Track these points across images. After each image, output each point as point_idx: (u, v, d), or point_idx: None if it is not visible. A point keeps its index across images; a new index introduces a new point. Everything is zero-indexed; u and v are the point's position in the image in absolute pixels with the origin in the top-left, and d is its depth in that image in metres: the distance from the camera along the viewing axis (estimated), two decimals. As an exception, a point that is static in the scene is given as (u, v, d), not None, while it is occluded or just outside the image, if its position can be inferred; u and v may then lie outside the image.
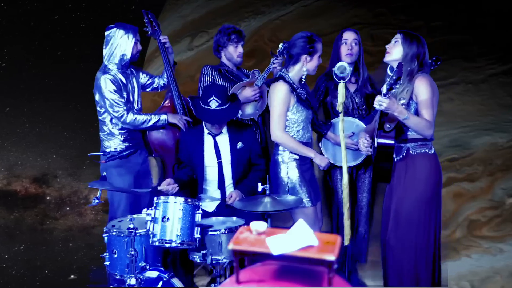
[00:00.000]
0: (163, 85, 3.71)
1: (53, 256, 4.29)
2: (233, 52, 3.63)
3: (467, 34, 4.23)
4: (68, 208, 4.79)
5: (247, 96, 3.58)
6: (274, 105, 3.08)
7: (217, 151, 3.30)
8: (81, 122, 4.83)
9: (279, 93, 3.06)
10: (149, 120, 3.44)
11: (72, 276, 4.01)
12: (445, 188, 3.98)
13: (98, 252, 4.14)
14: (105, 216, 4.63)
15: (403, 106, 2.77)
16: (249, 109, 3.63)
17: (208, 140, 3.32)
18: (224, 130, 3.33)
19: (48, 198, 4.83)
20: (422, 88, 2.75)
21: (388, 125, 2.80)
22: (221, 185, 3.32)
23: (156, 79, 3.70)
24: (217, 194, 3.33)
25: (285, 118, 3.09)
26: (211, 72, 3.63)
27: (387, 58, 2.88)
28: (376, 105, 2.68)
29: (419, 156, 2.84)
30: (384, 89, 2.64)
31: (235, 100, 3.32)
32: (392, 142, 2.78)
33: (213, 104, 3.20)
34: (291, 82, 3.10)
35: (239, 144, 3.31)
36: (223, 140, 3.32)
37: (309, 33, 3.14)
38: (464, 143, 4.10)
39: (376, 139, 2.84)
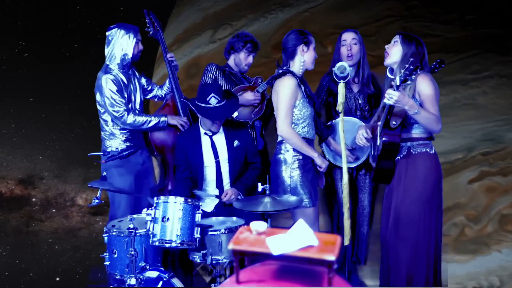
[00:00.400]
0: (161, 96, 3.72)
1: (38, 258, 4.25)
2: (243, 59, 3.65)
3: (501, 28, 4.14)
4: (54, 210, 4.73)
5: (248, 99, 3.56)
6: (282, 99, 3.05)
7: (214, 151, 3.31)
8: (68, 123, 4.77)
9: (287, 87, 3.04)
10: (149, 122, 3.44)
11: (58, 279, 3.95)
12: (478, 182, 3.98)
13: (84, 255, 4.12)
14: (91, 218, 4.63)
15: None
16: (245, 113, 3.61)
17: (205, 140, 3.33)
18: (220, 129, 3.33)
19: (33, 200, 4.77)
20: (425, 85, 2.77)
21: (394, 122, 2.79)
22: (219, 184, 3.33)
23: (156, 88, 3.71)
24: (216, 193, 3.33)
25: (292, 113, 3.07)
26: (215, 71, 3.63)
27: (387, 61, 2.89)
28: (386, 98, 2.68)
29: (419, 156, 2.84)
30: (397, 81, 2.63)
31: (232, 96, 3.34)
32: (398, 140, 2.80)
33: (213, 101, 3.20)
34: (298, 75, 3.10)
35: (236, 143, 3.32)
36: (220, 139, 3.33)
37: (299, 29, 3.16)
38: (498, 137, 4.05)
39: (379, 138, 2.85)
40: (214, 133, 3.32)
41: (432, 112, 2.75)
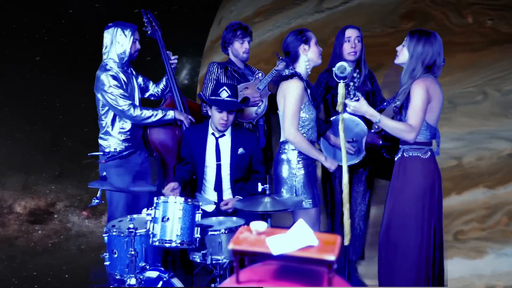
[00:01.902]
0: (157, 94, 3.71)
1: (-29, 268, 4.04)
2: (239, 48, 3.61)
3: None
4: (-11, 218, 4.52)
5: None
6: (290, 103, 3.02)
7: (217, 153, 3.30)
8: (8, 127, 4.56)
9: (295, 91, 3.02)
10: (156, 115, 3.43)
11: (-9, 290, 3.77)
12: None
13: (20, 265, 3.93)
14: (29, 227, 4.44)
15: (395, 108, 2.82)
16: (248, 112, 3.59)
17: (210, 140, 3.32)
18: (228, 133, 3.32)
19: (-33, 207, 4.56)
20: (415, 93, 2.74)
21: (376, 126, 2.84)
22: (218, 187, 3.32)
23: (151, 86, 3.70)
24: (214, 195, 3.34)
25: (299, 116, 3.06)
26: (217, 70, 3.60)
27: (396, 61, 2.91)
28: (348, 107, 2.76)
29: (411, 160, 2.83)
30: (351, 93, 2.74)
31: (243, 101, 3.41)
32: (379, 143, 2.88)
33: (224, 94, 3.24)
34: (304, 79, 3.09)
35: (240, 150, 3.31)
36: (225, 142, 3.32)
37: (296, 29, 3.17)
38: None
39: (365, 137, 2.95)
40: (221, 135, 3.31)
41: (406, 122, 2.74)
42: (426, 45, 2.75)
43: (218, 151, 3.30)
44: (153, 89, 3.70)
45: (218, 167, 3.30)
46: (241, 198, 3.22)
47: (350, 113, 2.80)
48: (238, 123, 3.49)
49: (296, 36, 3.10)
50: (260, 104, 3.60)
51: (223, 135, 3.32)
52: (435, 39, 2.77)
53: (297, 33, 3.11)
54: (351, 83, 2.69)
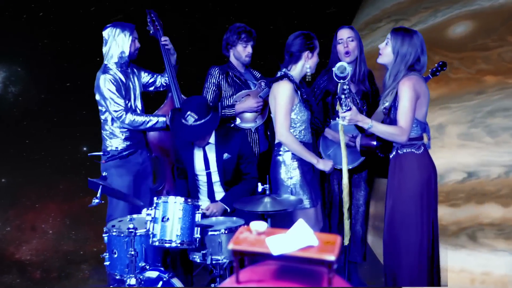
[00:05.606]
0: (165, 84, 3.70)
1: None
2: (242, 51, 3.59)
3: None
4: None
5: (251, 106, 3.51)
6: (280, 104, 3.02)
7: (206, 162, 3.26)
8: None
9: (284, 92, 3.02)
10: (148, 122, 3.44)
11: None
12: None
13: None
14: None
15: (384, 110, 2.83)
16: (248, 119, 3.57)
17: (198, 150, 3.28)
18: (212, 140, 3.25)
19: None
20: (403, 93, 2.73)
21: (369, 131, 2.85)
22: (210, 194, 3.30)
23: (158, 78, 3.69)
24: (207, 202, 3.29)
25: (290, 117, 3.05)
26: (218, 75, 3.56)
27: (379, 60, 2.89)
28: (341, 119, 2.77)
29: (405, 156, 2.83)
30: (338, 106, 2.74)
31: (215, 111, 3.24)
32: (374, 143, 2.89)
33: (190, 119, 3.12)
34: (295, 81, 3.09)
35: (225, 155, 3.24)
36: (212, 150, 3.26)
37: (305, 31, 3.14)
38: None
39: (358, 141, 2.95)
40: (206, 144, 3.25)
41: (396, 125, 2.75)
42: (409, 46, 2.76)
43: (207, 159, 3.25)
44: (159, 79, 3.69)
45: (209, 175, 3.26)
46: (225, 208, 3.19)
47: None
48: (223, 125, 3.43)
49: (305, 41, 3.08)
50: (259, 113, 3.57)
51: (209, 143, 3.25)
52: (418, 37, 2.78)
53: (306, 39, 3.09)
54: (342, 96, 2.69)
